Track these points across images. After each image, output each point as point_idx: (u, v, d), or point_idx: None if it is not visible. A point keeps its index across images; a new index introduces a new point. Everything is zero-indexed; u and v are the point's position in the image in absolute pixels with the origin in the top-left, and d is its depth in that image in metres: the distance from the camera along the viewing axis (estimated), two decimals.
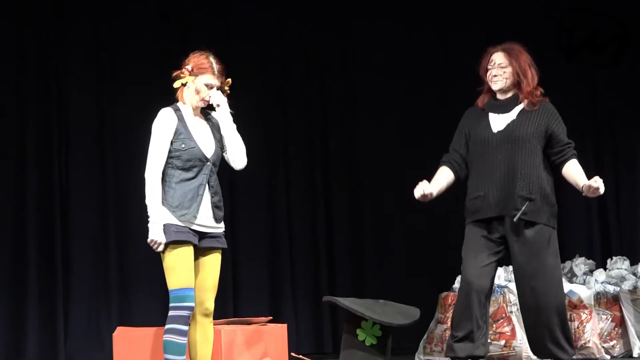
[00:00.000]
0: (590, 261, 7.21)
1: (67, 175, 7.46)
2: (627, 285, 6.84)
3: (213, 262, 4.72)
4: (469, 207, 5.05)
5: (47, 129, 7.42)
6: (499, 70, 5.06)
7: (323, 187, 8.22)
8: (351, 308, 5.09)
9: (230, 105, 4.80)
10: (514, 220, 4.84)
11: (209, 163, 4.68)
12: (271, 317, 6.06)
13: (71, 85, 7.54)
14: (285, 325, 5.92)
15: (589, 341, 6.56)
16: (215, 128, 4.80)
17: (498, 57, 5.09)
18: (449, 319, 6.93)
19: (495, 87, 5.07)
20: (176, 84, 4.74)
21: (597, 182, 4.79)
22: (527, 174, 4.91)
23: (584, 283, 6.92)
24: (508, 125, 4.98)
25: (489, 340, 6.60)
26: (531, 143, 4.94)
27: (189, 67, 4.73)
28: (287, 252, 8.01)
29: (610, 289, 6.87)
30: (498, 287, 6.68)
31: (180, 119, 4.68)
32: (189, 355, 4.71)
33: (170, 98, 4.81)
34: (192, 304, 4.56)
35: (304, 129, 8.22)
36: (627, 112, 8.52)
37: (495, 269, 5.08)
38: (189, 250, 4.59)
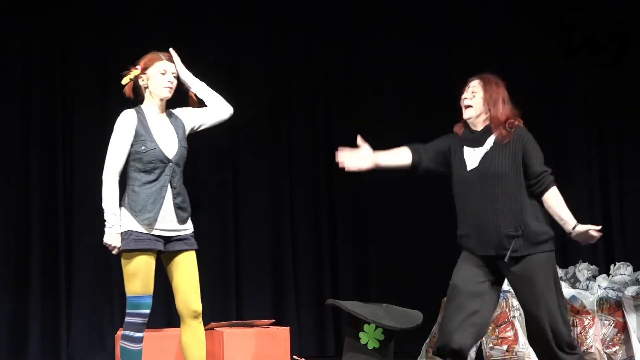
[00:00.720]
0: (594, 267, 7.21)
1: (71, 175, 7.47)
2: (630, 291, 6.84)
3: (188, 264, 4.67)
4: (460, 242, 5.00)
5: (52, 129, 7.44)
6: (470, 94, 4.95)
7: (326, 189, 8.22)
8: (354, 311, 5.09)
9: (237, 108, 4.80)
10: (505, 260, 4.79)
11: (171, 164, 4.63)
12: (274, 320, 6.07)
13: (76, 88, 7.55)
14: (287, 328, 5.92)
15: (591, 347, 6.56)
16: (179, 126, 4.75)
17: (473, 84, 5.00)
18: None
19: (465, 115, 4.97)
20: (124, 81, 4.72)
21: (595, 236, 4.77)
22: (508, 210, 4.78)
23: (586, 289, 6.92)
24: (482, 160, 4.86)
25: (490, 345, 6.60)
26: (509, 177, 4.81)
27: (137, 66, 4.72)
28: (290, 255, 8.01)
29: (613, 294, 6.86)
30: (501, 291, 6.67)
31: (141, 120, 4.64)
32: (184, 358, 4.71)
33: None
34: (148, 311, 4.57)
35: (308, 131, 8.22)
36: (632, 115, 8.51)
37: (488, 289, 4.91)
38: (149, 258, 4.56)
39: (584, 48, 8.19)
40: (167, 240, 4.62)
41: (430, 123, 8.32)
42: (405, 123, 8.14)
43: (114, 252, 4.56)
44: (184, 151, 4.70)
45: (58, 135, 7.44)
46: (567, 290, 6.77)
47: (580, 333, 6.58)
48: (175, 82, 4.74)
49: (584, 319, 6.61)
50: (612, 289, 6.91)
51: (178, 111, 4.81)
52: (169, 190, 4.62)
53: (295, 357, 5.94)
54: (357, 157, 5.02)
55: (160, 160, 4.59)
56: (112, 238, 4.54)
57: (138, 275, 4.53)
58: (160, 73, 4.69)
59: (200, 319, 4.68)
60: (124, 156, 4.58)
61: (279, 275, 7.98)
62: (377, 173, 8.18)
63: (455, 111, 8.25)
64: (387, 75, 8.33)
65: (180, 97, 4.85)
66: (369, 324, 5.05)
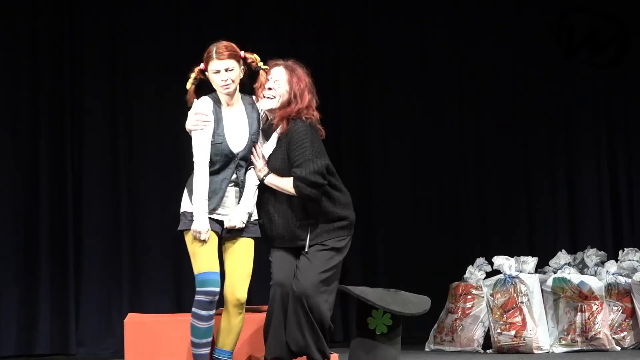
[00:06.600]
0: (602, 252, 7.21)
1: (79, 162, 7.47)
2: (638, 277, 6.83)
3: (242, 251, 4.73)
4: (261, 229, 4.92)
5: (61, 115, 7.44)
6: (274, 84, 4.77)
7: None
8: (362, 297, 5.08)
9: (243, 90, 4.80)
10: (305, 251, 4.78)
11: (236, 159, 4.66)
12: None
13: (84, 84, 7.55)
14: None
15: (599, 332, 6.56)
16: (254, 118, 4.73)
17: (278, 72, 4.82)
18: (460, 309, 6.95)
19: (264, 106, 4.78)
20: (188, 85, 4.72)
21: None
22: (297, 203, 4.76)
23: (595, 274, 6.92)
24: (270, 155, 4.78)
25: (499, 331, 6.60)
26: (285, 172, 4.74)
27: (201, 66, 4.70)
28: None
29: (622, 280, 6.86)
30: (509, 277, 6.67)
31: (216, 110, 4.65)
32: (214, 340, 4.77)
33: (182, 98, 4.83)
34: (215, 289, 4.60)
35: None
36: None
37: None
38: (210, 236, 4.61)
39: (584, 48, 8.17)
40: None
41: (436, 103, 8.34)
42: (412, 107, 8.16)
43: (203, 237, 4.58)
44: (252, 145, 4.72)
45: (67, 121, 7.44)
46: (575, 276, 6.76)
47: (589, 319, 6.58)
48: (232, 75, 4.65)
49: (592, 305, 6.61)
50: (621, 275, 6.91)
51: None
52: (232, 185, 4.67)
53: None
54: None
55: (225, 155, 4.63)
56: (199, 224, 4.60)
57: (198, 254, 4.60)
58: (214, 72, 4.66)
59: (241, 309, 4.76)
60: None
61: None
62: (385, 159, 8.23)
63: (461, 92, 8.27)
64: (395, 57, 8.30)
65: None
66: (377, 309, 5.05)
